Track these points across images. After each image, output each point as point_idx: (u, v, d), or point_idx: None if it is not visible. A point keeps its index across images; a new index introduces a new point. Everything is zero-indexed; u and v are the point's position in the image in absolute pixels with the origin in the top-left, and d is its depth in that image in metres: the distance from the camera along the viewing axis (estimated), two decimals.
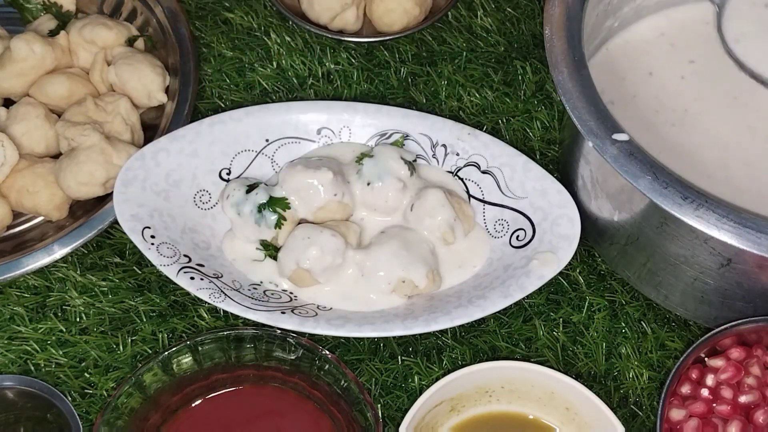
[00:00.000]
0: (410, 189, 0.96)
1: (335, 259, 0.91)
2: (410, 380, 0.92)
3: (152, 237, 0.92)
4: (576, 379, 0.86)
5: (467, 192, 0.98)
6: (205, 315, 0.94)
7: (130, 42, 1.05)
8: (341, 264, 0.92)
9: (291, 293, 0.93)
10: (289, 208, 0.94)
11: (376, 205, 0.96)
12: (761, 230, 0.77)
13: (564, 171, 0.99)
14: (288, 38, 1.10)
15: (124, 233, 0.92)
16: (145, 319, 0.94)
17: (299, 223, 0.95)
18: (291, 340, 0.88)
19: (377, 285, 0.92)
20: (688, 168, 0.91)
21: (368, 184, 0.95)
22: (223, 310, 0.94)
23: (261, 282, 0.94)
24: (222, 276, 0.92)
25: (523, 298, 0.91)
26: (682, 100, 0.97)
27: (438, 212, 0.94)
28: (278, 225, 0.93)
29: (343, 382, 0.86)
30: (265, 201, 0.93)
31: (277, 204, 0.94)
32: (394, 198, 0.95)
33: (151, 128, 1.02)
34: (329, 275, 0.92)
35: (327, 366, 0.87)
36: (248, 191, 0.94)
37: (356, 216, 0.97)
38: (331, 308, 0.92)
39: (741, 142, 0.94)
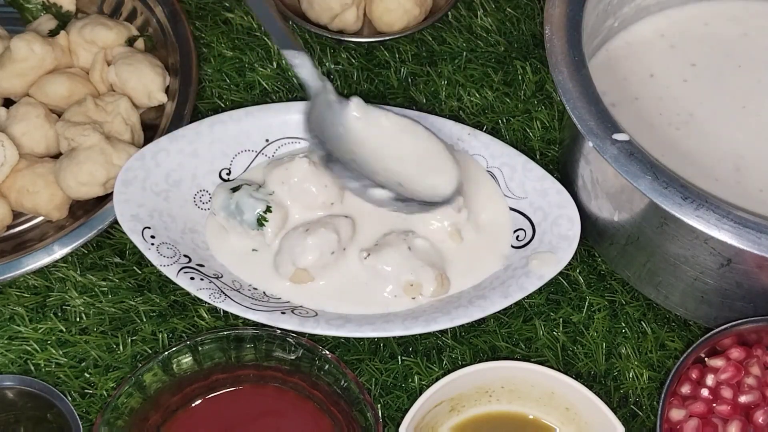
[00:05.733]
0: None
1: (330, 256, 0.91)
2: (410, 380, 0.92)
3: (152, 237, 0.92)
4: (576, 379, 0.86)
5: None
6: (205, 315, 0.94)
7: (130, 42, 1.05)
8: (339, 259, 0.92)
9: (289, 302, 0.93)
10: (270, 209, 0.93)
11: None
12: (761, 230, 0.77)
13: (564, 171, 0.99)
14: None
15: (124, 233, 0.92)
16: (145, 319, 0.94)
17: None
18: (291, 340, 0.88)
19: (385, 287, 0.92)
20: (694, 170, 0.91)
21: None
22: (223, 310, 0.94)
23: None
24: (222, 276, 0.92)
25: (523, 298, 0.91)
26: (687, 103, 0.96)
27: (443, 214, 0.94)
28: (260, 224, 0.93)
29: (343, 382, 0.86)
30: (245, 201, 0.93)
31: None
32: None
33: (151, 128, 1.02)
34: (328, 271, 0.92)
35: (327, 366, 0.87)
36: (234, 191, 0.94)
37: (355, 213, 0.96)
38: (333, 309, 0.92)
39: (754, 149, 0.94)
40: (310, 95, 0.92)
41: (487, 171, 0.98)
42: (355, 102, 0.93)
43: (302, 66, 0.92)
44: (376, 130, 0.93)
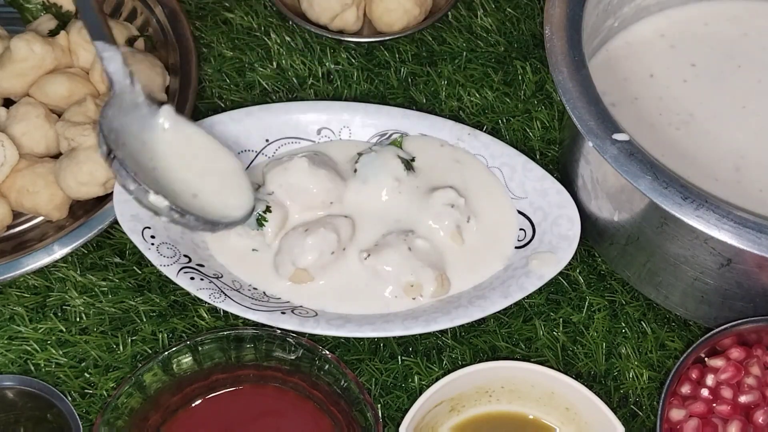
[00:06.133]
0: (411, 188, 0.96)
1: (330, 256, 0.91)
2: (410, 380, 0.92)
3: (152, 237, 0.92)
4: (576, 379, 0.86)
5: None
6: (205, 315, 0.94)
7: (130, 42, 1.05)
8: (339, 259, 0.92)
9: (289, 302, 0.93)
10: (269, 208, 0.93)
11: (373, 203, 0.96)
12: (761, 230, 0.77)
13: (564, 171, 0.99)
14: (288, 38, 1.10)
15: (124, 233, 0.92)
16: (145, 319, 0.94)
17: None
18: (291, 340, 0.88)
19: (386, 287, 0.92)
20: (694, 170, 0.91)
21: (364, 182, 0.95)
22: (223, 310, 0.94)
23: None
24: (222, 276, 0.92)
25: (523, 298, 0.91)
26: (687, 104, 0.96)
27: (444, 215, 0.94)
28: (260, 224, 0.93)
29: (343, 382, 0.86)
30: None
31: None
32: (390, 196, 0.95)
33: None
34: (328, 271, 0.92)
35: (327, 366, 0.87)
36: None
37: (355, 214, 0.96)
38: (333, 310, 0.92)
39: (754, 149, 0.94)
40: (114, 91, 0.89)
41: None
42: (166, 111, 0.90)
43: (111, 60, 0.90)
44: (184, 143, 0.91)
